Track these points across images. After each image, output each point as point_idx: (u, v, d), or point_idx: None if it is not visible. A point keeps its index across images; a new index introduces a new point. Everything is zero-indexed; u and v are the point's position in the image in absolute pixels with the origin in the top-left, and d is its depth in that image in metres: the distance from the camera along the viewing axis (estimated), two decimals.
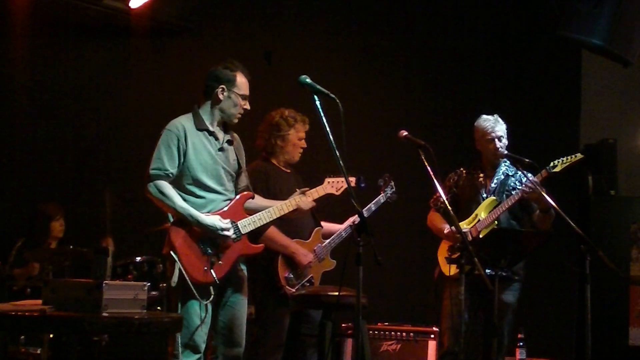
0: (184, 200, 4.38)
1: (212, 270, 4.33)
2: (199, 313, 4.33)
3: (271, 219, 4.63)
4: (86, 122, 7.46)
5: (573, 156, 5.16)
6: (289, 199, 4.73)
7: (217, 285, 4.38)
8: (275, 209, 4.63)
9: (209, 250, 4.36)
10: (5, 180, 7.21)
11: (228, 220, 4.41)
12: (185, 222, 4.34)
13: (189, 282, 4.28)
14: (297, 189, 4.86)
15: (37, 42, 7.23)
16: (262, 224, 4.58)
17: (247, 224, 4.48)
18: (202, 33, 7.48)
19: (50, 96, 7.38)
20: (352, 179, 5.05)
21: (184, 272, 4.27)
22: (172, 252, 4.31)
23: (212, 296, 4.35)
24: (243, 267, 4.59)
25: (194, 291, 4.28)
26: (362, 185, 5.15)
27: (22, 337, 5.68)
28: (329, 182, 4.97)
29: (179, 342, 4.29)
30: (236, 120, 4.55)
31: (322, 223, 5.46)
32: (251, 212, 4.56)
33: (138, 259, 6.04)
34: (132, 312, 3.90)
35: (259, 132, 5.41)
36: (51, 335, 5.48)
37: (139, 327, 3.90)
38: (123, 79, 7.46)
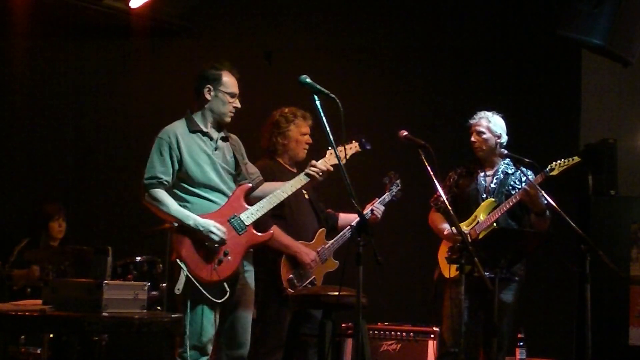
0: (190, 204, 4.36)
1: (219, 268, 4.29)
2: (209, 316, 4.31)
3: (274, 204, 4.51)
4: (86, 122, 7.47)
5: (571, 159, 5.15)
6: (291, 181, 4.57)
7: (231, 280, 4.34)
8: (277, 193, 4.49)
9: (216, 247, 4.31)
10: (5, 180, 7.22)
11: (224, 229, 4.33)
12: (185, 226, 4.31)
13: (199, 286, 4.23)
14: (303, 190, 4.82)
15: (37, 42, 7.24)
16: (264, 212, 4.49)
17: (249, 215, 4.42)
18: (202, 33, 7.49)
19: (50, 96, 7.39)
20: (355, 144, 4.80)
21: (192, 278, 4.23)
22: (177, 260, 4.27)
23: (227, 293, 4.30)
24: (250, 267, 4.56)
25: (206, 293, 4.24)
26: (368, 147, 4.86)
27: (22, 337, 5.68)
28: (331, 152, 4.63)
29: (188, 344, 4.26)
30: (228, 119, 4.50)
31: (340, 215, 5.45)
32: (259, 199, 4.49)
33: (138, 259, 6.04)
34: (132, 312, 3.91)
35: (262, 133, 5.40)
36: (51, 335, 5.49)
37: (139, 327, 3.91)
38: (123, 79, 7.47)
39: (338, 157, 4.05)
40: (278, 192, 4.50)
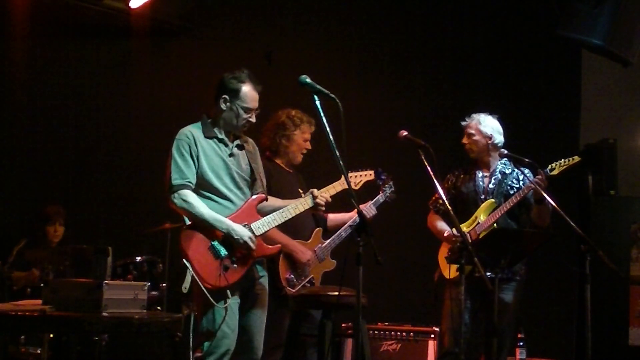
0: None
1: (226, 274, 4.26)
2: (221, 319, 4.27)
3: (285, 219, 4.52)
4: (86, 122, 7.46)
5: (571, 159, 5.14)
6: (303, 197, 4.62)
7: (235, 288, 4.32)
8: (290, 208, 4.52)
9: (222, 254, 4.28)
10: (5, 180, 7.21)
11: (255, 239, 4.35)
12: (197, 228, 4.28)
13: (203, 289, 4.21)
14: (300, 189, 4.82)
15: (37, 42, 7.23)
16: (276, 224, 4.49)
17: (260, 226, 4.40)
18: (202, 33, 7.48)
19: (50, 96, 7.38)
20: (371, 172, 5.12)
21: (197, 279, 4.21)
22: (184, 260, 4.25)
23: (229, 299, 4.28)
24: (263, 273, 4.53)
25: (209, 296, 4.21)
26: (384, 177, 5.14)
27: (22, 337, 5.68)
28: (342, 183, 4.86)
29: (205, 348, 4.27)
30: (240, 132, 4.48)
31: (329, 215, 5.44)
32: (265, 214, 4.48)
33: (138, 259, 6.04)
34: (132, 312, 3.91)
35: (264, 131, 5.37)
36: (51, 335, 5.49)
37: (139, 327, 3.91)
38: (123, 79, 7.46)
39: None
40: (291, 207, 4.52)
